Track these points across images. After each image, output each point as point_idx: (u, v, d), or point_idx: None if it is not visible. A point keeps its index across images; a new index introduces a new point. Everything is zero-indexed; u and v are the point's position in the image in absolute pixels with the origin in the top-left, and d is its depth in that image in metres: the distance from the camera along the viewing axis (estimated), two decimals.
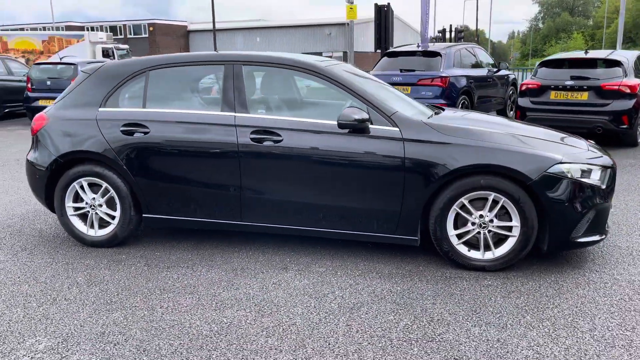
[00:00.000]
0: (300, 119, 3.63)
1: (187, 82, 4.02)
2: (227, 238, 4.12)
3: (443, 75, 9.20)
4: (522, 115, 8.49)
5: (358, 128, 3.46)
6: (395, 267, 3.56)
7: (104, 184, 3.90)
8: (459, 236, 3.50)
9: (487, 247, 3.48)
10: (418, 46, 10.28)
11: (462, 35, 33.42)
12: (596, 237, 3.50)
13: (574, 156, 3.46)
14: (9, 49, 34.10)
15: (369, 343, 2.63)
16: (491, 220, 3.42)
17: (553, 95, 8.20)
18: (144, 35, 46.68)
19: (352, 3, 14.63)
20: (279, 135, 3.58)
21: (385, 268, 3.55)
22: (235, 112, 3.70)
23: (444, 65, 9.41)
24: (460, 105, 9.44)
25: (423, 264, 3.62)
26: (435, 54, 9.57)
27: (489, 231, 3.45)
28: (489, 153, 3.36)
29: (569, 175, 3.33)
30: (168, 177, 3.80)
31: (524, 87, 8.73)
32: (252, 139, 3.61)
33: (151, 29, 46.09)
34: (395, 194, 3.47)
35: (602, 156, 3.64)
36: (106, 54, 32.26)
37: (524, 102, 8.55)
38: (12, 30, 40.37)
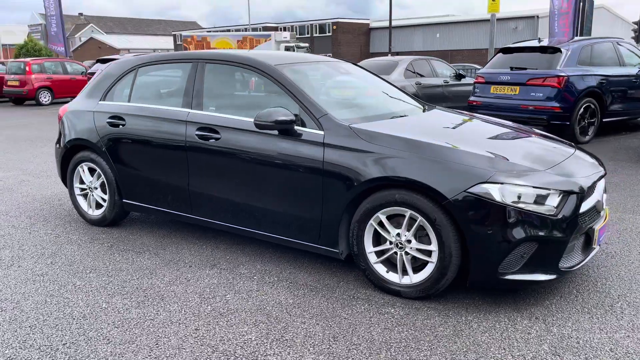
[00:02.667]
0: (237, 118, 3.61)
1: (162, 79, 4.27)
2: (202, 231, 4.29)
3: (560, 74, 8.08)
4: None
5: (280, 129, 3.33)
6: (315, 280, 3.35)
7: (97, 170, 4.36)
8: (378, 254, 3.16)
9: (407, 271, 3.08)
10: (539, 41, 9.15)
11: None
12: (540, 277, 2.86)
13: (512, 174, 2.85)
14: (210, 48, 38.88)
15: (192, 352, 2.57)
16: (409, 241, 3.02)
17: None
18: (327, 34, 48.99)
19: None
20: (217, 133, 3.62)
21: (306, 279, 3.36)
22: (190, 108, 3.83)
23: (565, 62, 8.25)
24: (582, 111, 8.21)
25: (350, 280, 3.34)
26: (555, 50, 8.45)
27: (407, 253, 3.05)
28: (405, 165, 2.96)
29: (496, 198, 2.77)
30: (137, 166, 4.10)
31: None
32: (197, 135, 3.70)
33: (334, 27, 48.14)
34: (317, 202, 3.26)
35: (569, 179, 2.94)
36: (287, 51, 34.65)
37: None
38: (214, 32, 45.93)
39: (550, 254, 2.87)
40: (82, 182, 4.54)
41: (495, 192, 2.77)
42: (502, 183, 2.78)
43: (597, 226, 3.11)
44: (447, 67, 11.69)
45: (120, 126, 4.13)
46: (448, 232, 2.84)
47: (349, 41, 48.42)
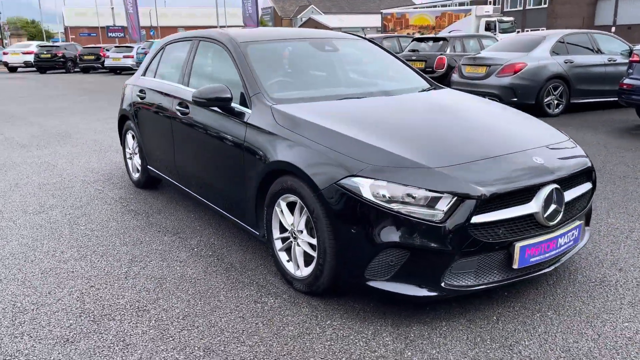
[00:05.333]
0: None
1: (175, 56, 4.54)
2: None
3: None
4: None
5: (218, 106, 3.34)
6: (241, 261, 3.35)
7: (135, 138, 4.92)
8: (283, 241, 3.02)
9: (299, 263, 2.89)
10: None
11: None
12: (414, 291, 2.44)
13: (389, 170, 2.44)
14: (409, 25, 38.59)
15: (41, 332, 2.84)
16: (301, 232, 2.83)
17: None
18: (543, 6, 44.53)
19: None
20: (188, 107, 3.79)
21: (234, 259, 3.38)
22: (182, 84, 4.06)
23: None
24: None
25: (266, 265, 3.26)
26: None
27: (298, 244, 2.87)
28: (297, 151, 2.76)
29: (363, 194, 2.43)
30: (150, 137, 4.52)
31: None
32: (177, 110, 3.93)
33: None
34: (240, 181, 3.23)
35: (467, 182, 2.41)
36: (488, 27, 32.59)
37: None
38: (413, 8, 45.16)
39: (428, 267, 2.42)
40: (129, 147, 5.15)
41: (364, 187, 2.43)
42: (374, 179, 2.43)
43: (524, 243, 2.49)
44: (620, 43, 9.83)
45: (142, 99, 4.57)
46: (323, 226, 2.59)
47: (569, 13, 43.26)
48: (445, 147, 2.66)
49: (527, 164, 2.60)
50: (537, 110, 9.03)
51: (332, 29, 57.74)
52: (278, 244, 3.03)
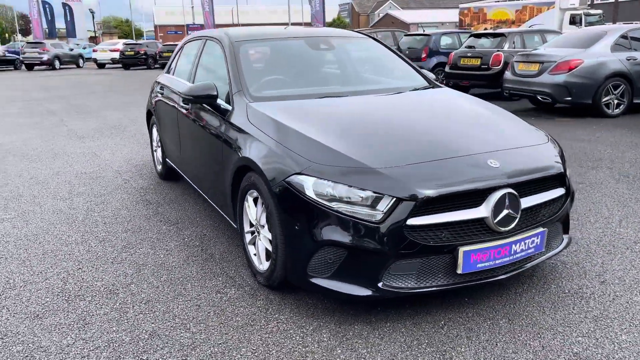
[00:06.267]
0: None
1: (189, 54, 4.73)
2: None
3: None
4: None
5: (206, 103, 3.50)
6: (221, 251, 3.49)
7: (157, 132, 5.20)
8: (252, 234, 3.12)
9: (261, 257, 2.98)
10: None
11: None
12: (352, 290, 2.46)
13: (333, 169, 2.47)
14: (486, 20, 37.22)
15: None
16: (262, 226, 2.92)
17: None
18: None
19: None
20: (188, 103, 3.97)
21: (214, 250, 3.52)
22: (189, 81, 4.26)
23: None
24: None
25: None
26: None
27: (261, 239, 2.95)
28: (257, 147, 2.86)
29: (306, 192, 2.48)
30: (165, 130, 4.77)
31: None
32: (182, 106, 4.13)
33: None
34: (221, 174, 3.37)
35: (407, 184, 2.38)
36: (573, 20, 30.81)
37: None
38: (494, 2, 43.38)
39: (366, 267, 2.43)
40: (154, 141, 5.45)
41: (307, 185, 2.48)
42: (317, 177, 2.47)
43: (469, 247, 2.43)
44: None
45: (161, 95, 4.83)
46: (275, 221, 2.67)
47: None
48: (398, 147, 2.64)
49: (480, 167, 2.52)
50: (594, 110, 8.51)
51: (409, 24, 56.90)
52: (247, 238, 3.13)
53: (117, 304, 2.81)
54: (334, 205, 2.41)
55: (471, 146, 2.67)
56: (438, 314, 2.64)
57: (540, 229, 2.64)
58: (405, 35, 14.72)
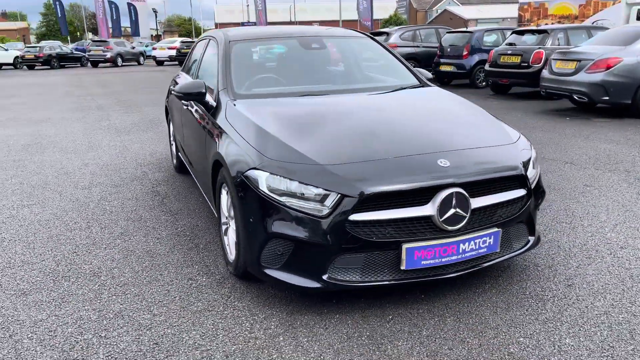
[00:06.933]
0: None
1: (197, 52, 4.93)
2: None
3: None
4: None
5: (194, 100, 3.67)
6: (206, 242, 3.67)
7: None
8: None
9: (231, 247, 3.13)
10: None
11: None
12: (300, 282, 2.57)
13: (285, 165, 2.58)
14: (547, 15, 35.83)
15: None
16: (232, 218, 3.06)
17: None
18: None
19: None
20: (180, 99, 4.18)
21: (199, 240, 3.71)
22: (192, 78, 4.47)
23: None
24: None
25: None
26: None
27: (230, 231, 3.10)
28: (226, 143, 3.02)
29: (260, 186, 2.60)
30: (175, 125, 5.02)
31: None
32: (183, 102, 4.35)
33: None
34: (206, 168, 3.54)
35: (352, 181, 2.46)
36: None
37: None
38: None
39: (311, 260, 2.52)
40: (170, 135, 5.73)
41: (261, 179, 2.61)
42: (270, 172, 2.59)
43: (413, 244, 2.48)
44: None
45: (172, 92, 5.08)
46: (237, 214, 2.81)
47: None
48: (352, 145, 2.72)
49: (428, 166, 2.56)
50: (634, 111, 8.13)
51: (467, 20, 55.63)
52: (223, 229, 3.28)
53: (96, 286, 3.04)
54: (284, 199, 2.52)
55: (426, 145, 2.71)
56: (389, 308, 2.69)
57: (494, 229, 2.64)
58: (448, 32, 14.48)
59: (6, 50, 31.31)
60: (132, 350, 2.40)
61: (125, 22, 53.47)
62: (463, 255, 2.58)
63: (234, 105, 3.28)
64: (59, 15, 41.42)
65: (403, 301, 2.76)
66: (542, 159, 5.78)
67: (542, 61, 10.47)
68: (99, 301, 2.86)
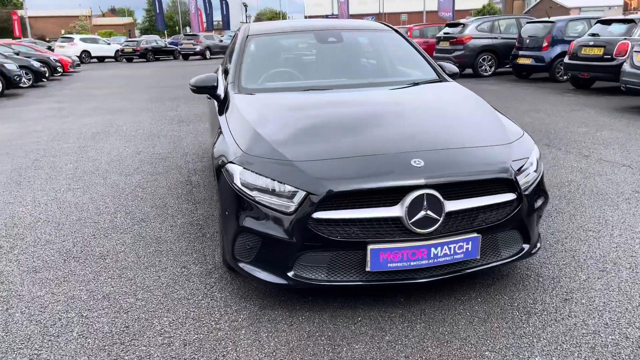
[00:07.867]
0: None
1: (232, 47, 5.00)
2: None
3: None
4: None
5: (206, 93, 3.76)
6: (199, 235, 3.77)
7: None
8: None
9: None
10: None
11: None
12: (267, 277, 2.57)
13: (257, 161, 2.58)
14: None
15: None
16: None
17: None
18: None
19: None
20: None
21: (198, 232, 3.81)
22: (222, 72, 4.58)
23: None
24: None
25: None
26: None
27: None
28: (218, 136, 3.07)
29: (234, 179, 2.64)
30: (209, 116, 5.17)
31: None
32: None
33: None
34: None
35: (319, 178, 2.41)
36: None
37: None
38: None
39: (277, 255, 2.52)
40: None
41: (235, 174, 2.64)
42: (243, 167, 2.61)
43: (378, 246, 2.39)
44: None
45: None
46: (218, 206, 2.87)
47: None
48: (327, 143, 2.68)
49: (401, 165, 2.45)
50: None
51: (569, 9, 52.18)
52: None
53: (99, 268, 3.23)
54: (255, 194, 2.53)
55: (404, 144, 2.60)
56: (361, 309, 2.63)
57: (473, 235, 2.48)
58: (528, 22, 13.65)
59: (109, 44, 33.72)
60: (104, 331, 2.53)
61: (217, 16, 55.66)
62: (435, 260, 2.45)
63: (234, 98, 3.33)
64: (157, 12, 43.90)
65: (378, 303, 2.68)
66: (597, 160, 5.33)
67: (627, 53, 9.59)
68: (94, 282, 3.03)
